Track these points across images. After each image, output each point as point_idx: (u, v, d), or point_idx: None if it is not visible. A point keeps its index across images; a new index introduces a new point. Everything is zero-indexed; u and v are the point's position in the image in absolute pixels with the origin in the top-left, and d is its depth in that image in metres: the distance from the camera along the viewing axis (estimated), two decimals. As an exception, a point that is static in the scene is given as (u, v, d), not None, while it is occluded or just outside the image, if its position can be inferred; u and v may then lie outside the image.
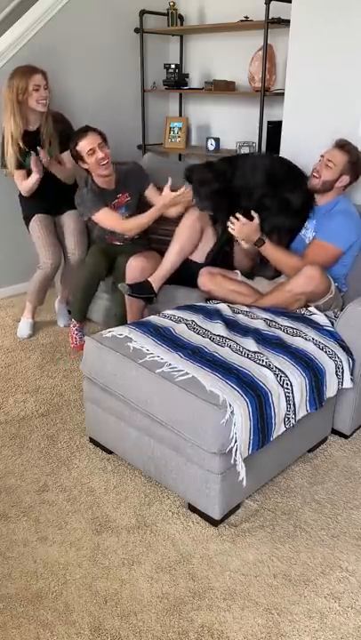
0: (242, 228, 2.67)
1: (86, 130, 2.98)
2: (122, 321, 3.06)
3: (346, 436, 2.53)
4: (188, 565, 1.89)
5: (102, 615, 1.71)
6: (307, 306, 2.57)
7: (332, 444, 2.50)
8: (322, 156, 2.72)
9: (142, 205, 3.20)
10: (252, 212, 2.72)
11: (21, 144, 3.16)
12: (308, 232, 2.78)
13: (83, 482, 2.26)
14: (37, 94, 3.09)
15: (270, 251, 2.69)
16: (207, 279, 2.76)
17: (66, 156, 3.31)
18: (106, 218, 3.10)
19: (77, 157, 3.03)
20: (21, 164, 3.22)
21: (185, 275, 2.95)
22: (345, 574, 1.86)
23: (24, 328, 3.44)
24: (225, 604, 1.76)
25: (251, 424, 1.91)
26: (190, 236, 2.95)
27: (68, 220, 3.34)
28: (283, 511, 2.13)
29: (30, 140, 3.18)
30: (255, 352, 2.16)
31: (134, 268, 2.97)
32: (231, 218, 2.68)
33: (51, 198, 3.33)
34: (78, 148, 2.98)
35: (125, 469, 2.33)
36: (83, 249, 3.30)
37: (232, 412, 1.87)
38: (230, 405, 1.87)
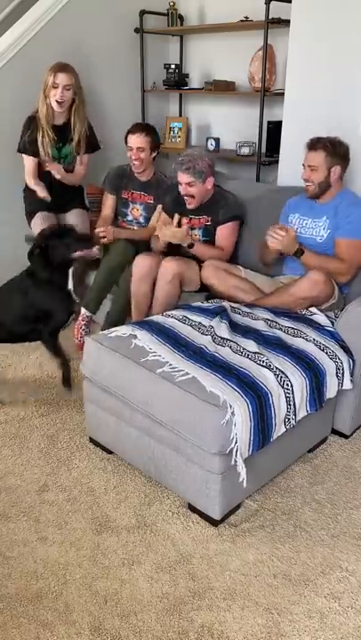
0: (283, 240, 2.62)
1: (140, 129, 3.21)
2: (113, 320, 3.10)
3: (346, 436, 2.53)
4: (188, 565, 1.89)
5: (102, 615, 1.71)
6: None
7: (332, 444, 2.50)
8: (303, 164, 2.72)
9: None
10: (286, 227, 2.70)
11: (51, 133, 3.24)
12: (320, 230, 2.73)
13: (83, 482, 2.26)
14: (54, 92, 3.17)
15: (310, 258, 2.65)
16: (210, 273, 2.76)
17: (84, 157, 3.42)
18: (105, 199, 3.42)
19: (126, 143, 3.25)
20: (36, 152, 3.26)
21: None
22: (345, 574, 1.86)
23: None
24: (225, 603, 1.76)
25: (251, 424, 1.91)
26: (169, 294, 2.87)
27: (74, 220, 3.34)
28: (283, 511, 2.12)
29: (57, 134, 3.25)
30: (255, 352, 2.15)
31: (141, 265, 2.96)
32: (271, 233, 2.63)
33: (56, 196, 3.34)
34: (127, 137, 3.22)
35: (125, 469, 2.33)
36: None
37: (232, 413, 1.87)
38: (230, 406, 1.87)
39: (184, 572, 1.86)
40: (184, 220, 2.99)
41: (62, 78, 3.16)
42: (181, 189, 2.97)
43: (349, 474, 2.32)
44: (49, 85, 3.17)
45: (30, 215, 3.37)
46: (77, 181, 3.41)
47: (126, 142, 3.24)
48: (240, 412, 1.88)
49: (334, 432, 2.54)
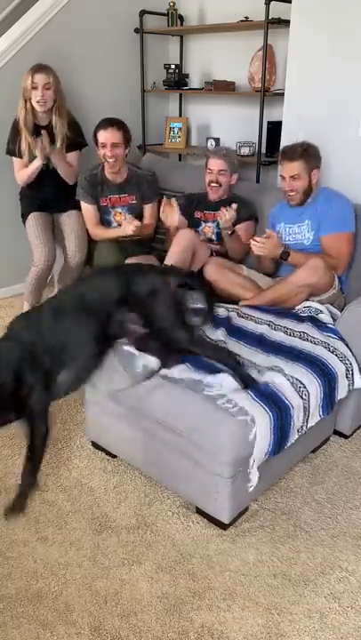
0: (265, 246, 2.63)
1: (111, 124, 3.03)
2: None
3: (346, 436, 2.53)
4: (188, 565, 1.89)
5: (102, 615, 1.71)
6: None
7: (332, 444, 2.50)
8: (282, 176, 2.71)
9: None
10: (267, 231, 2.69)
11: (30, 138, 3.20)
12: (305, 233, 2.75)
13: (83, 482, 2.26)
14: (35, 93, 3.14)
15: (297, 258, 2.66)
16: (214, 269, 2.76)
17: (71, 156, 3.35)
18: (86, 211, 3.21)
19: (95, 142, 3.09)
20: (22, 154, 3.26)
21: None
22: (345, 574, 1.86)
23: (24, 329, 3.43)
24: (225, 604, 1.76)
25: (271, 438, 1.91)
26: (181, 262, 2.85)
27: (70, 221, 3.33)
28: (283, 511, 2.12)
29: (40, 134, 3.21)
30: (268, 366, 2.15)
31: (183, 237, 2.92)
32: (252, 241, 2.65)
33: (50, 195, 3.34)
34: (97, 135, 3.05)
35: (125, 469, 2.33)
36: (84, 251, 3.29)
37: (256, 428, 1.86)
38: (254, 422, 1.85)
39: (184, 572, 1.86)
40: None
41: (40, 78, 3.12)
42: (210, 176, 2.92)
43: (349, 474, 2.32)
44: (28, 88, 3.13)
45: (24, 216, 3.37)
46: (67, 174, 3.35)
47: (96, 140, 3.07)
48: (263, 427, 1.87)
49: (334, 432, 2.53)
